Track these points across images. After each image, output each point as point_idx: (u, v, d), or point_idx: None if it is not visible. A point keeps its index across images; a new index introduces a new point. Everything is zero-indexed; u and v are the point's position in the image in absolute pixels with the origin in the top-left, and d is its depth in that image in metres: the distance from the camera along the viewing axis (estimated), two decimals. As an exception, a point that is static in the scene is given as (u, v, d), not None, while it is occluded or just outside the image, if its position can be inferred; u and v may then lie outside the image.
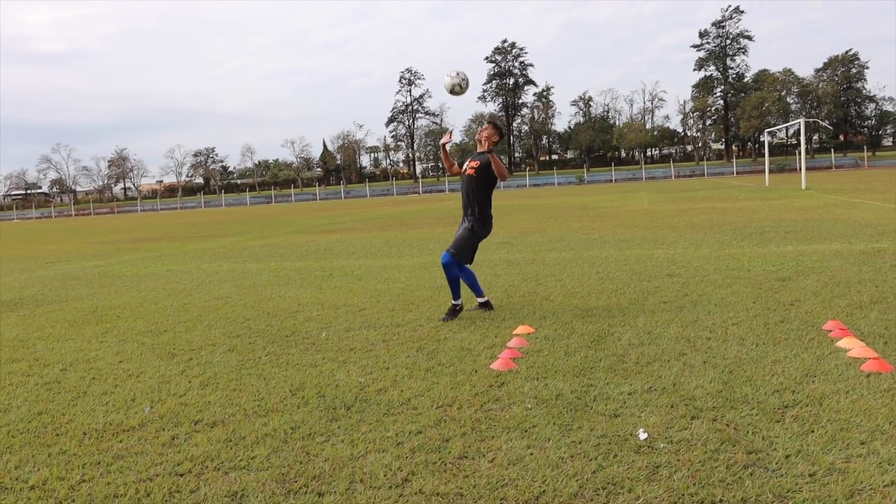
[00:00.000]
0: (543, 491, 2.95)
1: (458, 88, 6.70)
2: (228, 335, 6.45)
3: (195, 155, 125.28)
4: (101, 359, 5.81)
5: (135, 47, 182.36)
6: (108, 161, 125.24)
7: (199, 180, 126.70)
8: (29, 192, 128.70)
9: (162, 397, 4.60)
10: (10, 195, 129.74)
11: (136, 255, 16.38)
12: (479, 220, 6.65)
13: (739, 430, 3.47)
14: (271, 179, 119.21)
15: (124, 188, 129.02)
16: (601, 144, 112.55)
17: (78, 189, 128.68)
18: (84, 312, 8.22)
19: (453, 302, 6.62)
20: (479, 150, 6.62)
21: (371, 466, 3.29)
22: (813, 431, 3.40)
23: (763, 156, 64.95)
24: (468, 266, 6.77)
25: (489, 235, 6.95)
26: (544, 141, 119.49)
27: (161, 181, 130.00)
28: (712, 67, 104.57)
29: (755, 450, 3.23)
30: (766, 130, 52.63)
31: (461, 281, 6.65)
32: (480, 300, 6.90)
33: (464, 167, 6.79)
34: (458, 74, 6.71)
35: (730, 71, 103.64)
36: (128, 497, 3.11)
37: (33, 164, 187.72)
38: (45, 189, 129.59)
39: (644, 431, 3.49)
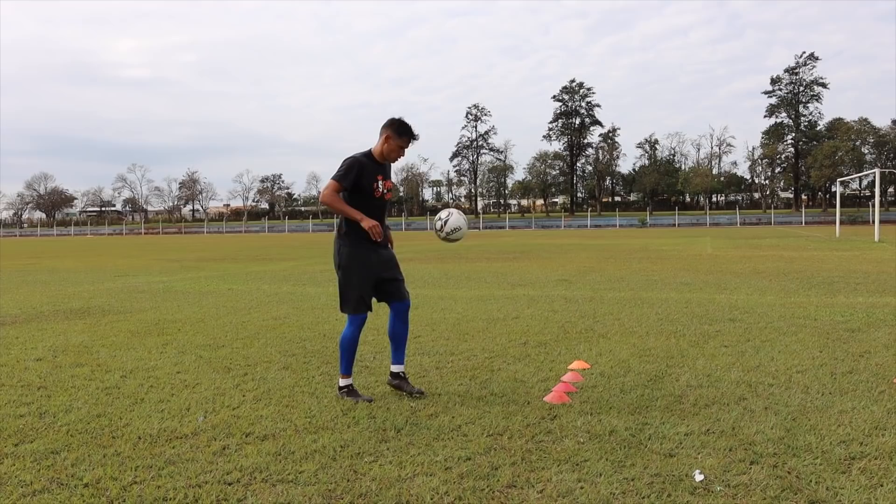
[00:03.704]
0: (593, 525, 2.87)
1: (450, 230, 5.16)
2: (284, 353, 6.51)
3: (262, 181, 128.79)
4: (159, 368, 5.94)
5: (213, 75, 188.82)
6: (179, 183, 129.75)
7: (265, 205, 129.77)
8: (103, 209, 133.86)
9: (216, 408, 4.66)
10: (85, 211, 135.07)
11: (200, 273, 16.77)
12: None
13: (802, 478, 3.32)
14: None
15: (193, 209, 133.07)
16: (665, 188, 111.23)
17: (149, 208, 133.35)
18: (147, 324, 8.43)
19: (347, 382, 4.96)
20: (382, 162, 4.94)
21: (418, 489, 3.25)
22: (882, 486, 3.23)
23: (834, 206, 63.20)
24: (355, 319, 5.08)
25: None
26: (608, 182, 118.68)
27: (228, 204, 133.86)
28: (783, 114, 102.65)
29: (818, 500, 3.09)
30: (839, 180, 51.17)
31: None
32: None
33: (379, 187, 4.88)
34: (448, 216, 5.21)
35: (802, 118, 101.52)
36: (176, 501, 3.14)
37: (109, 182, 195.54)
38: (118, 207, 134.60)
39: (700, 473, 3.38)
